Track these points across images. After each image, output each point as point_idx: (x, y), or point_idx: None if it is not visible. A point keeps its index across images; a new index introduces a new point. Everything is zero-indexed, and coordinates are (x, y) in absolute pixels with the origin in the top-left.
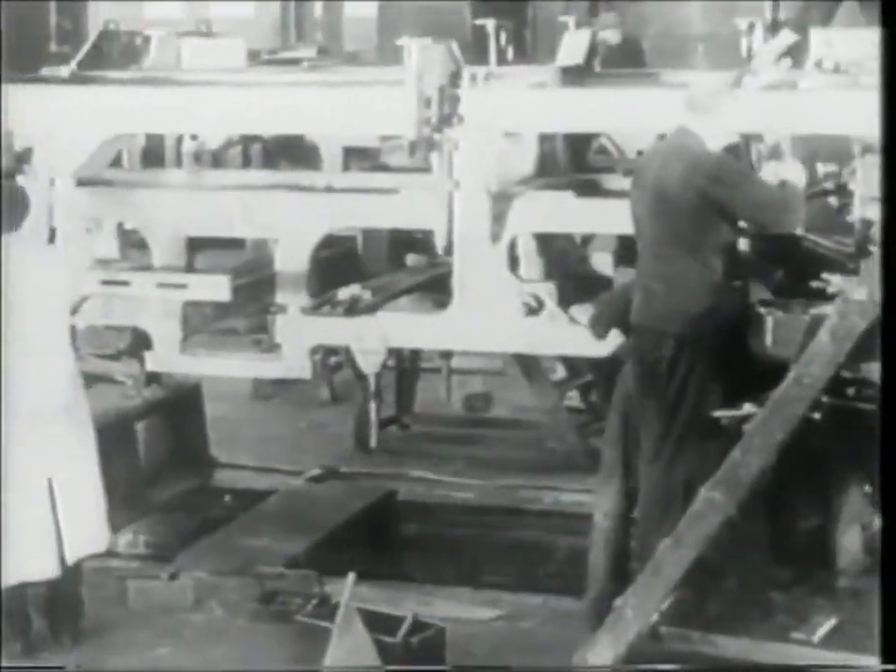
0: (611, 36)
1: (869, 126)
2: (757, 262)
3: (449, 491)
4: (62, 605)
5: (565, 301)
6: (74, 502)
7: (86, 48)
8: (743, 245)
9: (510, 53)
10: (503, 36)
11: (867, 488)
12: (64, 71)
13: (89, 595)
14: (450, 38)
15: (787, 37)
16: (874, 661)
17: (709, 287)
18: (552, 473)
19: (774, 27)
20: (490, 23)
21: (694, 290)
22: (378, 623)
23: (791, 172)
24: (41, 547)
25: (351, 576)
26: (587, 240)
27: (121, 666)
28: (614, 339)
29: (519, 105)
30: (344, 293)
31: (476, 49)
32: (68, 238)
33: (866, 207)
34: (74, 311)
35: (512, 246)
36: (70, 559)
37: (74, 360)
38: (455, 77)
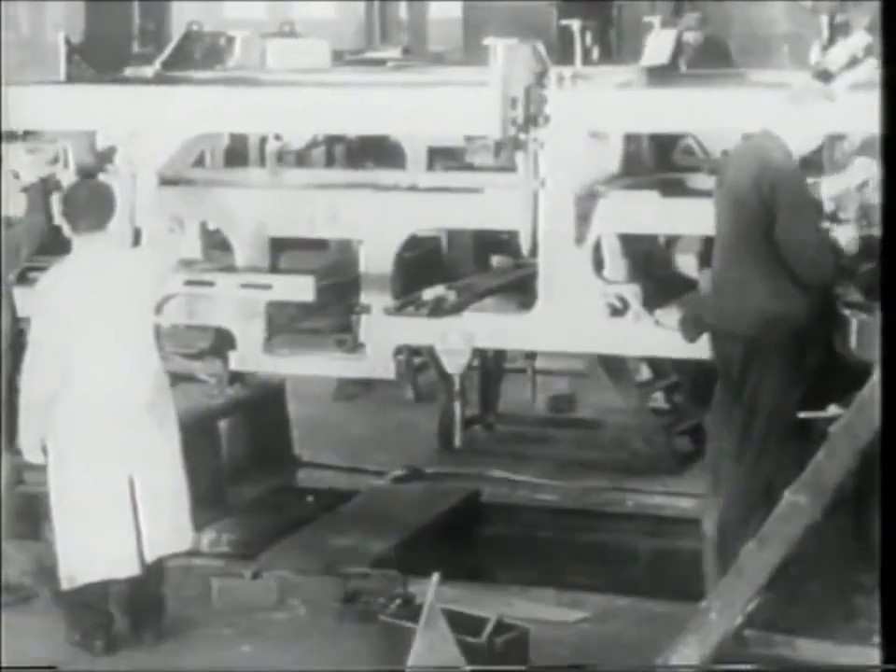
0: (696, 37)
1: None
2: (848, 265)
3: (532, 492)
4: (144, 603)
5: (649, 303)
6: (156, 501)
7: (170, 48)
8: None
9: (595, 53)
10: (588, 37)
11: None
12: (149, 71)
13: (172, 594)
14: (536, 39)
15: (861, 38)
16: None
17: (779, 291)
18: (635, 475)
19: (837, 29)
20: (576, 24)
21: (762, 293)
22: (462, 624)
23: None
24: (122, 545)
25: (435, 576)
26: (671, 241)
27: (204, 665)
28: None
29: (605, 106)
30: (429, 294)
31: (562, 50)
32: (152, 238)
33: None
34: (157, 310)
35: (597, 247)
36: (150, 558)
37: (159, 359)
38: (541, 78)
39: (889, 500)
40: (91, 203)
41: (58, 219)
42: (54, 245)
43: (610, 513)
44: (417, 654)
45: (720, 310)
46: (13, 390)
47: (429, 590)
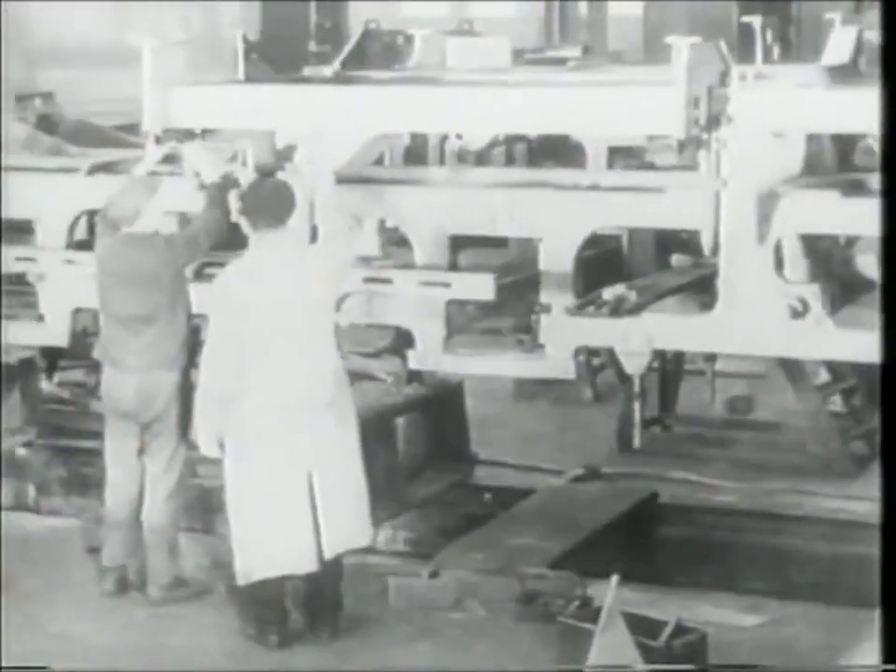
0: (877, 35)
1: None
2: None
3: (710, 494)
4: (321, 599)
5: (829, 305)
6: (335, 498)
7: (349, 47)
8: None
9: (775, 51)
10: (769, 34)
11: None
12: (327, 70)
13: (349, 592)
14: (716, 36)
15: None
16: None
17: None
18: (813, 478)
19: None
20: (757, 21)
21: None
22: (640, 627)
23: None
24: (301, 541)
25: (614, 578)
26: (851, 241)
27: (380, 664)
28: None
29: (787, 105)
30: (609, 293)
31: (741, 47)
32: (330, 235)
33: None
34: (336, 308)
35: (777, 247)
36: (329, 554)
37: (338, 356)
38: (723, 77)
39: (888, 500)
40: (272, 200)
41: (236, 216)
42: (231, 243)
43: (787, 516)
44: (596, 657)
45: None
46: (189, 385)
47: (608, 592)
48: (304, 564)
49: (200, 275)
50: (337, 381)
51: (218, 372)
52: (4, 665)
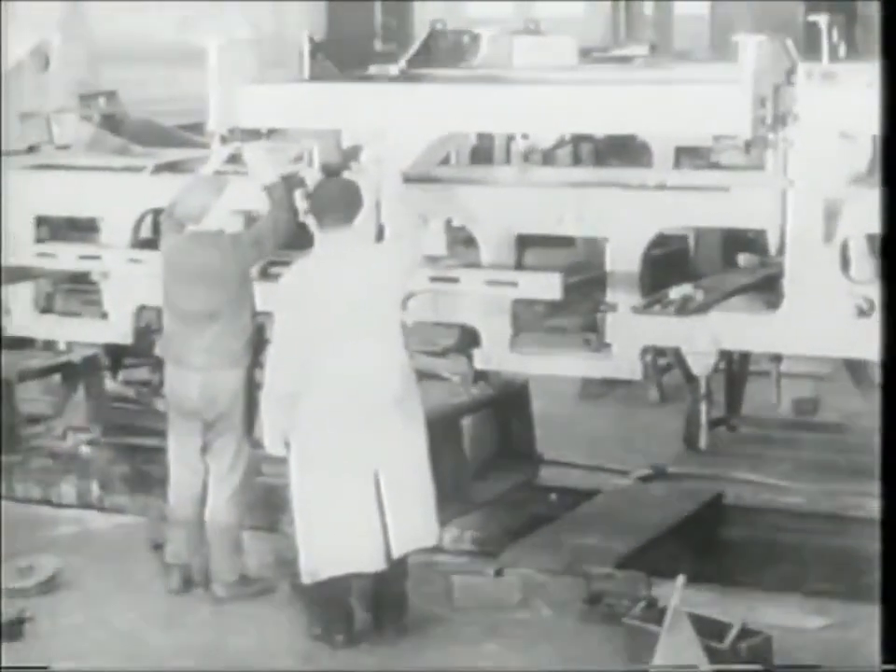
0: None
1: None
2: None
3: (775, 495)
4: (387, 598)
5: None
6: (401, 496)
7: (415, 46)
8: None
9: (841, 50)
10: (835, 33)
11: None
12: (394, 69)
13: (414, 590)
14: (782, 35)
15: None
16: None
17: None
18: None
19: None
20: (823, 19)
21: None
22: (705, 629)
23: None
24: (368, 540)
25: (680, 579)
26: None
27: (446, 664)
28: None
29: (854, 104)
30: (676, 293)
31: (806, 46)
32: (396, 234)
33: None
34: (402, 307)
35: (843, 247)
36: (396, 553)
37: (406, 354)
38: (790, 75)
39: (889, 501)
40: (339, 199)
41: (302, 216)
42: (297, 242)
43: (852, 518)
44: (661, 658)
45: None
46: (253, 384)
47: (674, 593)
48: (372, 562)
49: (265, 274)
50: (404, 379)
51: (284, 371)
52: (64, 662)
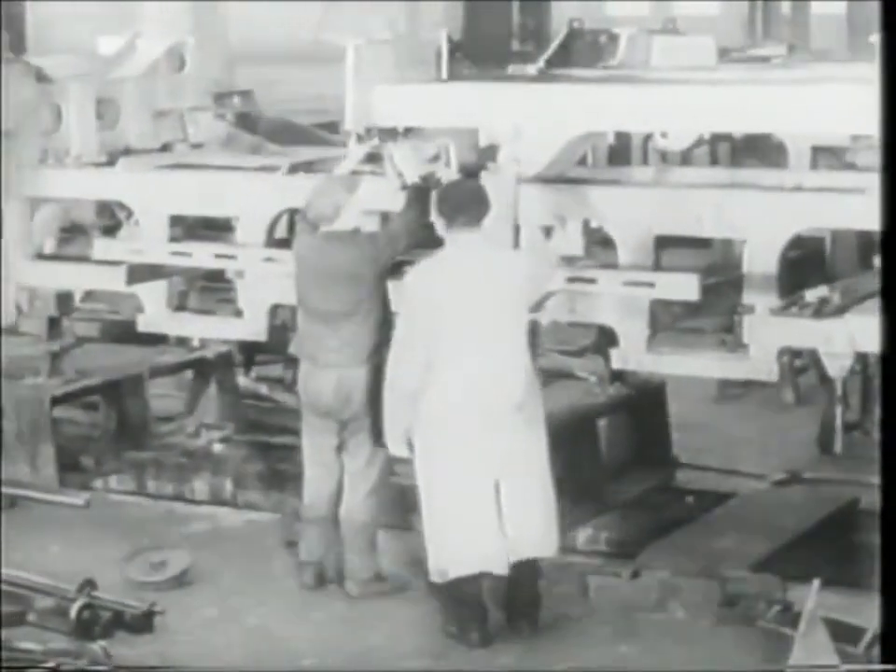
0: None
1: None
2: None
3: None
4: (520, 597)
5: None
6: (521, 506)
7: (554, 45)
8: None
9: None
10: None
11: None
12: (532, 69)
13: (549, 590)
14: None
15: None
16: None
17: None
18: None
19: None
20: None
21: None
22: (840, 633)
23: None
24: (489, 544)
25: (815, 583)
26: None
27: (580, 663)
28: None
29: None
30: (812, 294)
31: None
32: (530, 239)
33: None
34: (539, 308)
35: None
36: (514, 559)
37: (531, 359)
38: None
39: (889, 501)
40: (468, 200)
41: (433, 216)
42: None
43: None
44: (796, 662)
45: None
46: (380, 384)
47: (810, 597)
48: (496, 564)
49: (393, 273)
50: (528, 385)
51: (405, 370)
52: (194, 655)
